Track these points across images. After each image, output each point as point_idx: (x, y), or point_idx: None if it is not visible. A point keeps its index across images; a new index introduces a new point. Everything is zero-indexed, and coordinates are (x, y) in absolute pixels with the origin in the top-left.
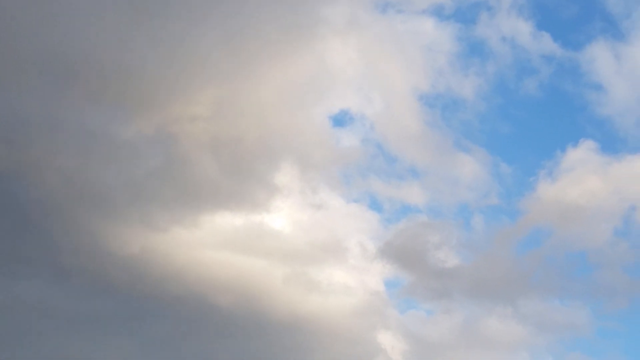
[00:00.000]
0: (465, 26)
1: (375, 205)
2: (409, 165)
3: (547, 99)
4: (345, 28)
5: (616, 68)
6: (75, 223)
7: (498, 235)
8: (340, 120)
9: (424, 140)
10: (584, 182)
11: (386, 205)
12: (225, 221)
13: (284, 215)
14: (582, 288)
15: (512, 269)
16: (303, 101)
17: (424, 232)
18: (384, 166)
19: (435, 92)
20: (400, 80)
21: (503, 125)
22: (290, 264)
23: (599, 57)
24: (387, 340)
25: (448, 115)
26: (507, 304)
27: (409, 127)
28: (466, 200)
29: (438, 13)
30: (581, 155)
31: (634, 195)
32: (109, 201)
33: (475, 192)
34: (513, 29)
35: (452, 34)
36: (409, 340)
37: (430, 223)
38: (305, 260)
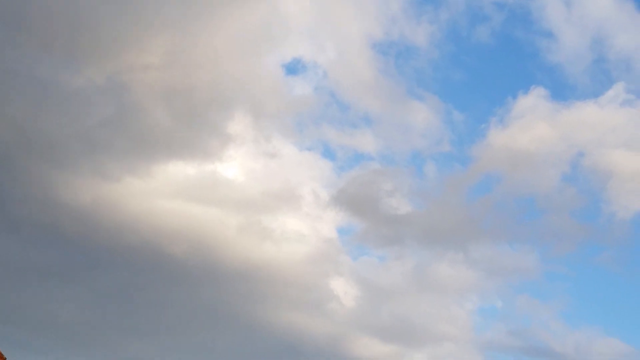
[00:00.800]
0: None
1: (328, 153)
2: (362, 113)
3: (499, 46)
4: None
5: (566, 16)
6: (25, 173)
7: (449, 182)
8: (293, 68)
9: (377, 88)
10: (533, 129)
11: (339, 153)
12: (179, 170)
13: (237, 164)
14: (531, 233)
15: (463, 215)
16: (256, 50)
17: (376, 179)
18: (337, 114)
19: (388, 40)
20: (354, 28)
21: (455, 73)
22: (243, 212)
23: (550, 4)
24: (340, 286)
25: (401, 63)
26: (458, 250)
27: (362, 75)
28: (418, 148)
29: None
30: (531, 102)
31: (582, 142)
32: (60, 151)
33: (428, 140)
34: None
35: None
36: (361, 286)
37: (383, 170)
38: (259, 209)
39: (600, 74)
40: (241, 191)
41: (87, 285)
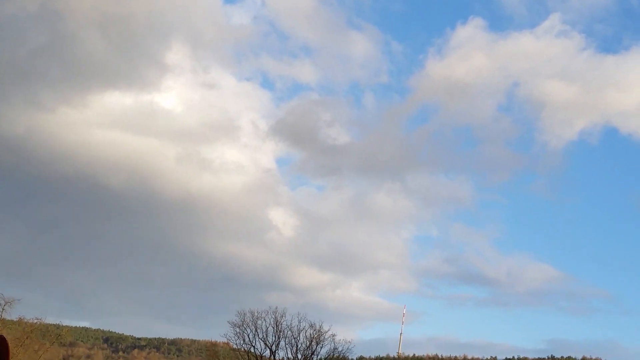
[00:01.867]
0: None
1: (267, 83)
2: (301, 43)
3: None
4: None
5: None
6: None
7: (388, 112)
8: None
9: (316, 18)
10: (471, 59)
11: (278, 83)
12: (115, 100)
13: (175, 95)
14: (467, 162)
15: (400, 145)
16: None
17: (315, 110)
18: (276, 44)
19: None
20: None
21: (394, 3)
22: (182, 143)
23: None
24: (279, 216)
25: None
26: (395, 179)
27: (302, 5)
28: (357, 78)
29: None
30: (469, 33)
31: (517, 72)
32: None
33: (367, 70)
34: None
35: None
36: (300, 215)
37: (322, 101)
38: (198, 140)
39: (537, 5)
40: (179, 122)
41: (21, 216)
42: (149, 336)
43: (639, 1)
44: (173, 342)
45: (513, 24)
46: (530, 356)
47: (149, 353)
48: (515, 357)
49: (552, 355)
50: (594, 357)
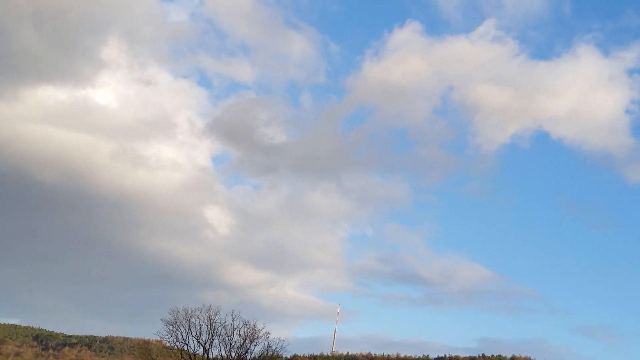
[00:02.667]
0: None
1: (204, 81)
2: (239, 42)
3: None
4: None
5: None
6: None
7: (324, 112)
8: None
9: (255, 17)
10: (407, 62)
11: (215, 81)
12: (48, 95)
13: (110, 90)
14: (402, 163)
15: (337, 145)
16: None
17: (252, 108)
18: (214, 42)
19: None
20: None
21: (333, 4)
22: (117, 139)
23: None
24: (215, 214)
25: None
26: (331, 179)
27: (240, 3)
28: (295, 78)
29: None
30: (406, 36)
31: (452, 76)
32: None
33: (304, 70)
34: None
35: None
36: (235, 214)
37: (259, 100)
38: (133, 136)
39: (472, 10)
40: (114, 118)
41: None
42: (81, 334)
43: (571, 9)
44: (105, 340)
45: (449, 29)
46: (461, 355)
47: (79, 351)
48: (447, 355)
49: (482, 353)
50: (523, 356)
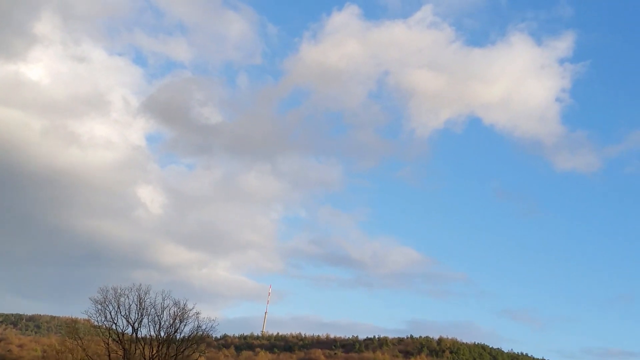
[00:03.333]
0: None
1: (140, 59)
2: (176, 21)
3: None
4: None
5: None
6: None
7: (261, 94)
8: None
9: None
10: (344, 46)
11: (151, 59)
12: None
13: (43, 66)
14: (337, 147)
15: (272, 127)
16: None
17: (188, 88)
18: (151, 20)
19: None
20: None
21: None
22: (48, 116)
23: None
24: (147, 193)
25: None
26: (266, 161)
27: None
28: (232, 59)
29: None
30: (344, 20)
31: (388, 61)
32: None
33: (241, 51)
34: None
35: None
36: (169, 193)
37: (195, 79)
38: (66, 113)
39: None
40: (46, 94)
41: None
42: (6, 312)
43: None
44: (31, 319)
45: (387, 13)
46: (390, 336)
47: (5, 329)
48: (376, 336)
49: (411, 335)
50: (450, 337)
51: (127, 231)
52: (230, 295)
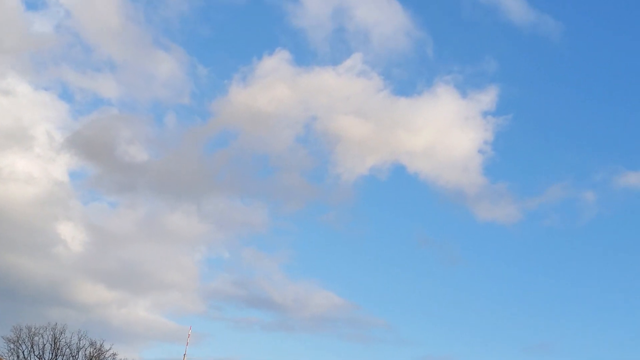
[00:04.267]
0: None
1: (66, 95)
2: (105, 58)
3: (248, 6)
4: None
5: None
6: None
7: (188, 133)
8: (34, 4)
9: (123, 34)
10: (274, 90)
11: (78, 95)
12: None
13: None
14: (263, 189)
15: (199, 167)
16: None
17: (114, 125)
18: (79, 56)
19: None
20: None
21: (203, 28)
22: None
23: None
24: (68, 230)
25: (150, 11)
26: (191, 201)
27: (108, 19)
28: (160, 98)
29: None
30: (275, 64)
31: (317, 106)
32: None
33: (170, 90)
34: None
35: None
36: (90, 231)
37: (122, 117)
38: None
39: (340, 43)
40: None
41: None
42: None
43: (433, 51)
44: None
45: (317, 60)
46: None
47: None
48: None
49: None
50: None
51: (45, 268)
52: (149, 336)
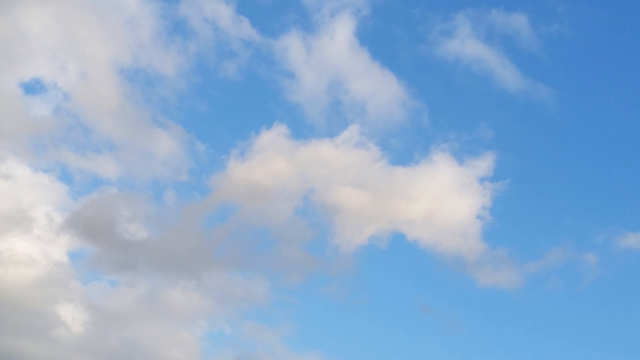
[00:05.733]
0: (168, 5)
1: (65, 176)
2: (104, 138)
3: (245, 82)
4: None
5: (306, 59)
6: None
7: (187, 210)
8: (33, 88)
9: (121, 114)
10: (272, 164)
11: (77, 177)
12: None
13: None
14: (263, 262)
15: (198, 243)
16: None
17: (113, 204)
18: (78, 138)
19: (135, 67)
20: (100, 52)
21: (201, 104)
22: None
23: (292, 47)
24: (68, 311)
25: (148, 90)
26: (191, 277)
27: (107, 100)
28: (159, 176)
29: None
30: (273, 138)
31: (314, 178)
32: None
33: (169, 168)
34: (214, 11)
35: (155, 11)
36: (90, 311)
37: (121, 195)
38: None
39: (336, 116)
40: None
41: None
42: None
43: (429, 120)
44: None
45: (314, 133)
46: None
47: None
48: None
49: None
50: None
51: (45, 350)
52: None
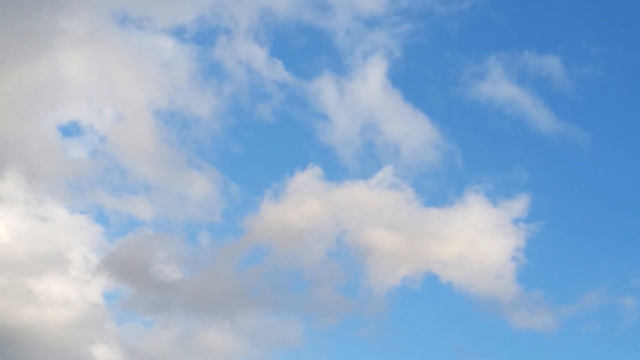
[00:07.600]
0: (203, 48)
1: (101, 218)
2: (141, 180)
3: (278, 123)
4: (83, 39)
5: (339, 100)
6: None
7: (222, 251)
8: (70, 131)
9: (157, 156)
10: (305, 205)
11: (113, 218)
12: None
13: (3, 226)
14: (297, 304)
15: (232, 284)
16: (32, 110)
17: (148, 245)
18: (114, 180)
19: (171, 109)
20: (137, 95)
21: (235, 146)
22: (7, 274)
23: (325, 89)
24: (103, 353)
25: (183, 133)
26: (225, 318)
27: (143, 142)
28: (194, 217)
29: (178, 34)
30: (306, 180)
31: (346, 220)
32: None
33: (204, 209)
34: (248, 54)
35: (190, 54)
36: (125, 352)
37: (156, 237)
38: (24, 272)
39: (370, 158)
40: (6, 253)
41: None
42: None
43: (463, 162)
44: None
45: (347, 174)
46: None
47: None
48: None
49: None
50: None
51: None
52: None
